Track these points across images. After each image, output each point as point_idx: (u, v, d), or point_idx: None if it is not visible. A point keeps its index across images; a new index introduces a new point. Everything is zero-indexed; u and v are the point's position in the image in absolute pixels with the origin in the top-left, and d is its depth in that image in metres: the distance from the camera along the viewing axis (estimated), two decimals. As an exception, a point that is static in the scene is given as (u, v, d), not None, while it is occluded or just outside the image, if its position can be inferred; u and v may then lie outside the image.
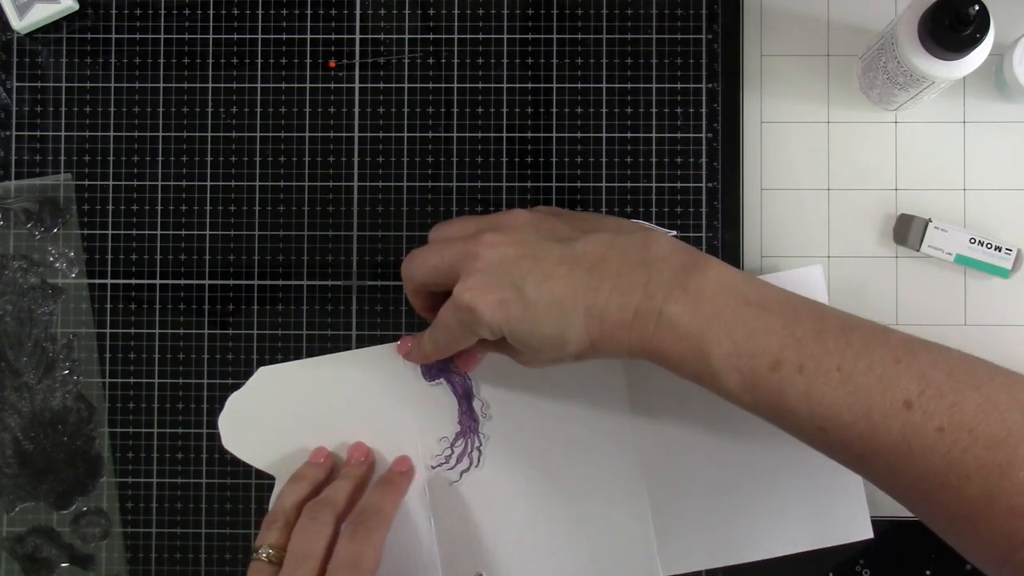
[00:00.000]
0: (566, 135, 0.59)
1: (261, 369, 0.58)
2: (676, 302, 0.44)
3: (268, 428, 0.58)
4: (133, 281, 0.59)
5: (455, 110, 0.59)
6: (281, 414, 0.58)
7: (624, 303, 0.45)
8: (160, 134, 0.60)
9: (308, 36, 0.60)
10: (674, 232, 0.58)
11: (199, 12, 0.60)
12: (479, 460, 0.57)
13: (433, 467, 0.57)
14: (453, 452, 0.57)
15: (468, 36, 0.59)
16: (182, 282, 0.59)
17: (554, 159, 0.59)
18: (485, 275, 0.47)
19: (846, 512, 0.56)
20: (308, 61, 0.60)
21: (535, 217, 0.49)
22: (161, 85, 0.60)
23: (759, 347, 0.43)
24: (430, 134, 0.59)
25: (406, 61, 0.60)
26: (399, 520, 0.56)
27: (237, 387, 0.58)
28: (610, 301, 0.45)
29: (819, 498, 0.56)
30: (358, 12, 0.60)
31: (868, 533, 0.56)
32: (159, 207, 0.60)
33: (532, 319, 0.46)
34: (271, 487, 0.57)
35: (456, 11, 0.59)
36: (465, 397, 0.57)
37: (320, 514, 0.50)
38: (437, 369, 0.57)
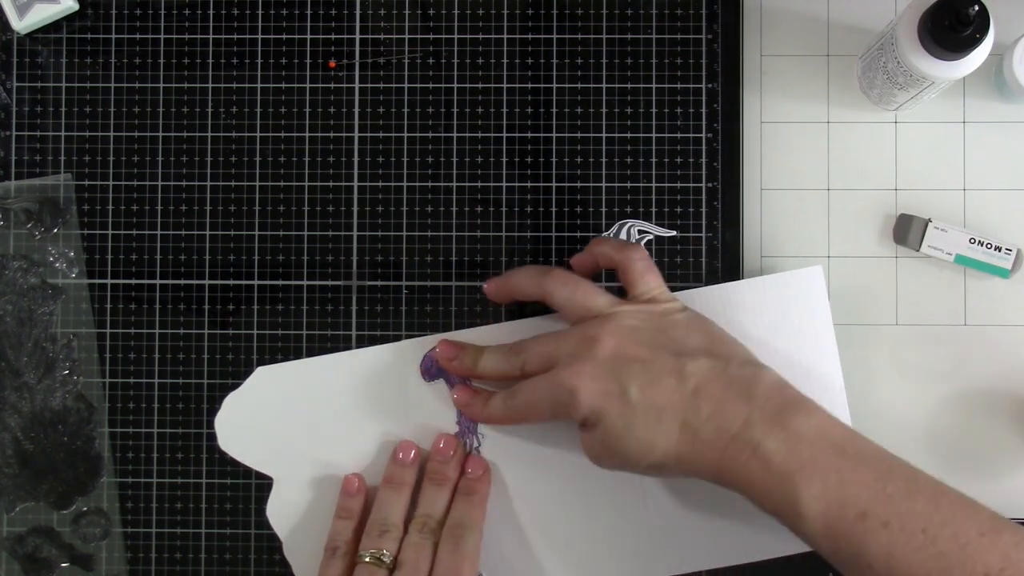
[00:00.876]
0: (566, 135, 0.59)
1: (259, 369, 0.58)
2: (774, 439, 0.46)
3: (266, 429, 0.57)
4: (133, 281, 0.59)
5: (455, 110, 0.59)
6: (279, 415, 0.58)
7: (722, 428, 0.47)
8: (160, 134, 0.60)
9: (308, 36, 0.60)
10: (674, 232, 0.58)
11: (199, 12, 0.60)
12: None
13: None
14: (453, 452, 0.57)
15: (468, 36, 0.59)
16: (182, 282, 0.59)
17: (554, 159, 0.59)
18: (595, 365, 0.49)
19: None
20: (308, 61, 0.60)
21: (659, 325, 0.50)
22: (161, 85, 0.60)
23: (848, 496, 0.44)
24: (430, 134, 0.59)
25: (406, 61, 0.60)
26: None
27: (237, 387, 0.58)
28: (708, 422, 0.47)
29: None
30: (358, 12, 0.60)
31: None
32: (159, 207, 0.60)
33: (629, 418, 0.48)
34: (271, 487, 0.57)
35: (456, 11, 0.59)
36: None
37: (429, 531, 0.53)
38: (437, 369, 0.57)
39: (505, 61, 0.59)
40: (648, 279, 0.53)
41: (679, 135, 0.59)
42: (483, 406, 0.55)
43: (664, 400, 0.47)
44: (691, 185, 0.59)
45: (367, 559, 0.52)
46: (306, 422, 0.57)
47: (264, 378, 0.58)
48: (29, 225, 0.59)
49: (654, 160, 0.59)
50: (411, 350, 0.58)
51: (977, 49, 0.49)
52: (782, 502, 0.46)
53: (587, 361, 0.49)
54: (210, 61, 0.60)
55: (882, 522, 0.44)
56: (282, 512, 0.57)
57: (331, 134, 0.59)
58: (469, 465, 0.56)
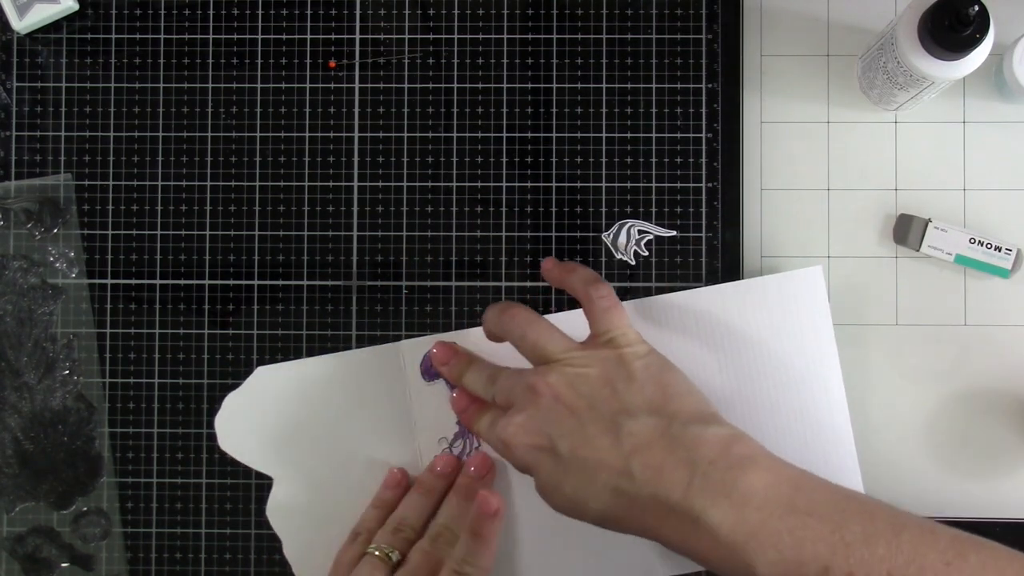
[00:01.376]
0: (566, 135, 0.59)
1: (259, 369, 0.58)
2: (718, 509, 0.44)
3: (265, 429, 0.57)
4: (133, 281, 0.59)
5: (455, 110, 0.59)
6: (278, 414, 0.58)
7: (659, 496, 0.45)
8: (160, 134, 0.60)
9: (308, 36, 0.60)
10: (674, 232, 0.58)
11: (199, 12, 0.60)
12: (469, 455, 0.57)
13: None
14: (452, 453, 0.57)
15: (468, 36, 0.59)
16: (182, 282, 0.59)
17: (554, 159, 0.59)
18: (528, 418, 0.48)
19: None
20: (308, 61, 0.60)
21: (604, 377, 0.48)
22: (161, 85, 0.60)
23: (807, 555, 0.43)
24: (430, 134, 0.59)
25: (406, 61, 0.60)
26: None
27: (237, 387, 0.58)
28: (644, 488, 0.45)
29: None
30: (358, 12, 0.60)
31: None
32: (159, 207, 0.60)
33: (560, 475, 0.47)
34: (271, 487, 0.57)
35: (456, 11, 0.59)
36: None
37: (444, 542, 0.53)
38: (437, 369, 0.57)
39: (505, 61, 0.59)
40: (610, 317, 0.50)
41: (679, 135, 0.59)
42: (475, 418, 0.54)
43: (595, 460, 0.46)
44: (691, 185, 0.59)
45: (375, 552, 0.52)
46: (306, 422, 0.57)
47: (264, 378, 0.58)
48: (29, 225, 0.59)
49: (654, 160, 0.59)
50: (411, 350, 0.58)
51: (977, 49, 0.49)
52: (737, 570, 0.44)
53: (522, 412, 0.48)
54: (210, 61, 0.60)
55: (846, 573, 0.42)
56: (282, 512, 0.57)
57: (331, 134, 0.59)
58: (481, 505, 0.52)
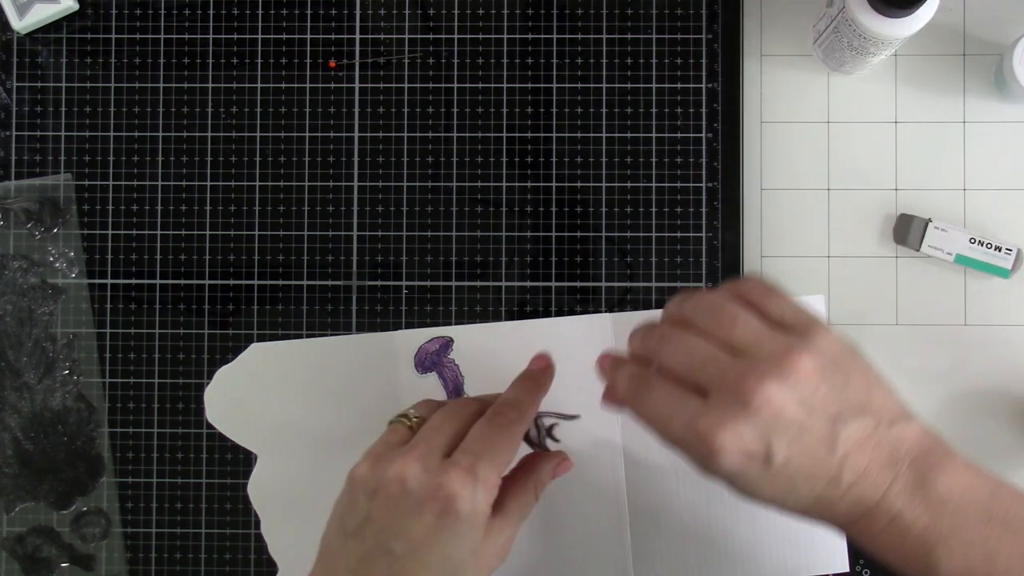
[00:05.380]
0: (566, 135, 0.59)
1: (253, 345, 0.58)
2: (914, 508, 0.42)
3: (255, 405, 0.58)
4: (133, 281, 0.59)
5: (455, 110, 0.59)
6: (269, 392, 0.58)
7: (859, 502, 0.42)
8: (160, 134, 0.60)
9: (308, 36, 0.60)
10: (578, 415, 0.53)
11: (199, 12, 0.60)
12: None
13: None
14: None
15: (468, 36, 0.59)
16: (182, 282, 0.59)
17: (554, 159, 0.59)
18: (747, 426, 0.41)
19: (825, 544, 0.56)
20: (308, 61, 0.60)
21: (819, 373, 0.42)
22: (161, 85, 0.60)
23: (997, 569, 0.41)
24: (430, 134, 0.59)
25: (406, 61, 0.60)
26: None
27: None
28: (846, 497, 0.42)
29: (799, 529, 0.56)
30: (358, 12, 0.60)
31: (844, 567, 0.56)
32: (159, 207, 0.60)
33: (764, 481, 0.42)
34: (271, 487, 0.58)
35: (456, 11, 0.59)
36: (455, 393, 0.57)
37: (468, 402, 0.48)
38: (431, 363, 0.57)
39: (505, 61, 0.59)
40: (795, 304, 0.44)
41: (679, 135, 0.59)
42: (612, 368, 0.46)
43: (807, 472, 0.42)
44: (691, 185, 0.59)
45: (392, 421, 0.49)
46: (295, 402, 0.57)
47: (258, 354, 0.58)
48: (29, 225, 0.59)
49: (654, 160, 0.59)
50: (406, 341, 0.58)
51: (923, 6, 0.49)
52: (919, 572, 0.42)
53: (736, 417, 0.41)
54: (210, 61, 0.60)
55: None
56: (263, 489, 0.58)
57: (331, 134, 0.59)
58: (533, 361, 0.50)
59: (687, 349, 0.43)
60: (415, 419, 0.48)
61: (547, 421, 0.52)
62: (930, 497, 0.42)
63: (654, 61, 0.59)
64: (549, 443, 0.52)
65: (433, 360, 0.57)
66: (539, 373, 0.50)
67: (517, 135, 0.59)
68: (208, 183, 0.59)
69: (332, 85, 0.59)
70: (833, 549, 0.56)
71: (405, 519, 0.44)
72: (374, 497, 0.45)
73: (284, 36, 0.60)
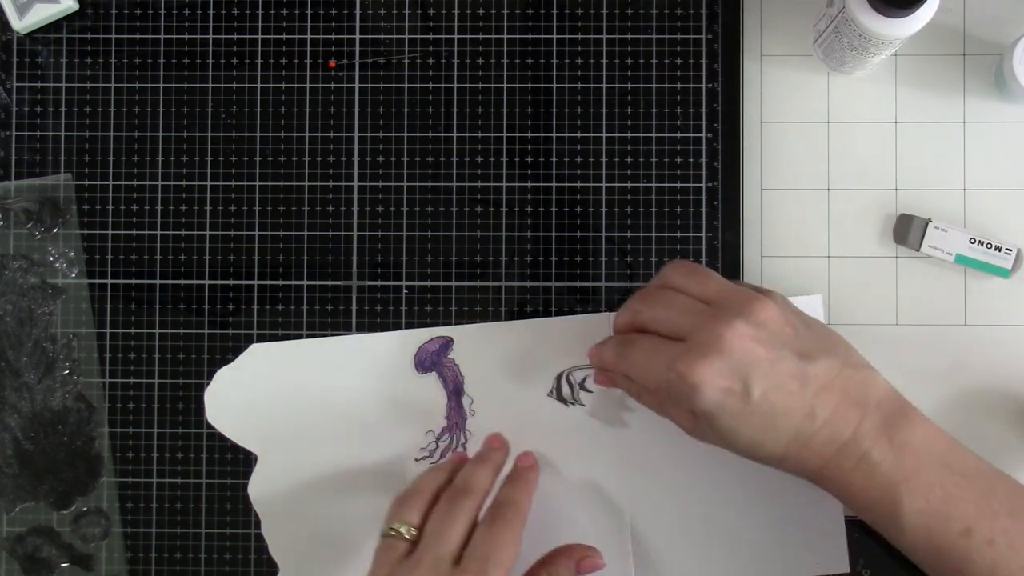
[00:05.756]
0: (566, 135, 0.59)
1: (253, 346, 0.58)
2: (880, 449, 0.45)
3: (255, 405, 0.58)
4: (133, 281, 0.59)
5: (455, 110, 0.59)
6: (270, 392, 0.58)
7: (832, 438, 0.46)
8: (160, 134, 0.60)
9: (308, 36, 0.60)
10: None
11: (199, 12, 0.60)
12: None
13: (417, 460, 0.57)
14: (438, 447, 0.57)
15: (468, 36, 0.59)
16: (182, 282, 0.59)
17: (554, 159, 0.59)
18: (722, 361, 0.45)
19: (824, 545, 0.56)
20: (308, 61, 0.60)
21: (783, 317, 0.47)
22: (161, 85, 0.60)
23: (954, 511, 0.44)
24: (430, 134, 0.59)
25: (406, 61, 0.60)
26: (379, 509, 0.56)
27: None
28: (820, 432, 0.46)
29: (799, 531, 0.56)
30: (358, 12, 0.60)
31: (844, 567, 0.56)
32: (159, 207, 0.60)
33: (743, 419, 0.46)
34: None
35: (456, 11, 0.59)
36: (455, 393, 0.57)
37: (461, 500, 0.49)
38: (431, 362, 0.57)
39: (505, 61, 0.59)
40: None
41: (679, 135, 0.59)
42: (599, 348, 0.52)
43: (784, 406, 0.45)
44: (691, 185, 0.59)
45: (385, 534, 0.49)
46: (295, 402, 0.57)
47: (258, 355, 0.58)
48: (29, 225, 0.59)
49: (654, 160, 0.59)
50: (406, 341, 0.58)
51: (923, 7, 0.49)
52: (883, 512, 0.46)
53: (712, 355, 0.45)
54: (210, 61, 0.60)
55: (987, 539, 0.44)
56: (264, 489, 0.58)
57: (331, 134, 0.59)
58: (519, 460, 0.54)
59: (667, 302, 0.49)
60: (407, 528, 0.49)
61: (578, 375, 0.53)
62: (895, 439, 0.45)
63: (654, 61, 0.59)
64: (583, 395, 0.56)
65: (433, 360, 0.57)
66: (528, 471, 0.54)
67: (517, 135, 0.59)
68: (208, 183, 0.59)
69: (332, 85, 0.59)
70: (834, 550, 0.56)
71: None
72: None
73: (284, 36, 0.60)
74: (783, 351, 0.46)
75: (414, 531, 0.48)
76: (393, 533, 0.48)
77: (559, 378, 0.57)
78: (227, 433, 0.58)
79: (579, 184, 0.59)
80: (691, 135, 0.59)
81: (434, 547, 0.47)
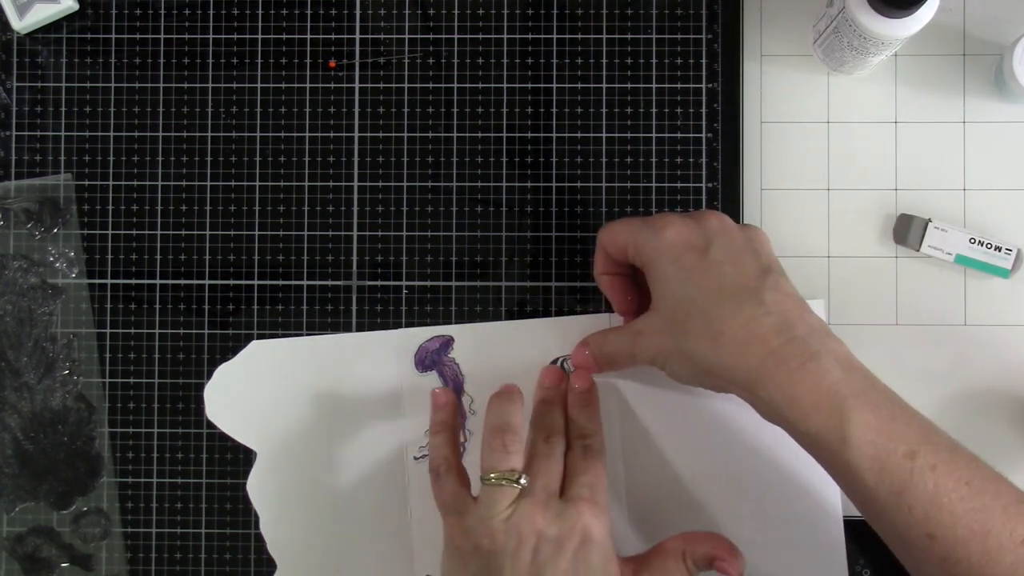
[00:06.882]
0: (566, 135, 0.59)
1: (253, 343, 0.58)
2: (830, 357, 0.45)
3: (255, 402, 0.58)
4: (133, 281, 0.59)
5: (455, 110, 0.59)
6: (270, 389, 0.58)
7: (780, 327, 0.46)
8: (160, 134, 0.60)
9: (308, 36, 0.60)
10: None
11: (199, 12, 0.60)
12: (462, 456, 0.57)
13: (416, 458, 0.57)
14: None
15: (468, 36, 0.59)
16: (182, 282, 0.59)
17: (554, 159, 0.59)
18: (690, 226, 0.50)
19: (825, 546, 0.56)
20: (308, 61, 0.60)
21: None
22: (161, 85, 0.60)
23: (899, 434, 0.44)
24: (430, 134, 0.59)
25: (406, 61, 0.60)
26: (378, 508, 0.57)
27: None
28: (768, 317, 0.46)
29: (799, 530, 0.56)
30: (358, 12, 0.60)
31: (843, 571, 0.56)
32: (159, 207, 0.60)
33: (695, 280, 0.48)
34: (271, 487, 0.58)
35: (456, 11, 0.59)
36: (455, 392, 0.57)
37: (557, 442, 0.52)
38: (431, 361, 0.57)
39: (505, 61, 0.59)
40: None
41: (679, 135, 0.59)
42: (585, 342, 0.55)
43: (735, 275, 0.47)
44: (691, 185, 0.59)
45: (492, 480, 0.49)
46: (296, 399, 0.58)
47: (258, 351, 0.58)
48: (29, 225, 0.59)
49: (654, 160, 0.59)
50: (407, 339, 0.58)
51: (924, 7, 0.49)
52: (827, 424, 0.44)
53: (686, 220, 0.50)
54: (210, 61, 0.60)
55: (930, 464, 0.43)
56: (262, 486, 0.58)
57: (331, 134, 0.59)
58: (575, 381, 0.55)
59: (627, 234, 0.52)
60: (518, 476, 0.49)
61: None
62: (841, 359, 0.45)
63: (654, 61, 0.59)
64: None
65: (433, 359, 0.57)
66: (588, 395, 0.55)
67: (517, 135, 0.59)
68: (208, 183, 0.59)
69: (332, 85, 0.59)
70: (833, 551, 0.56)
71: (547, 566, 0.47)
72: (517, 552, 0.47)
73: (284, 36, 0.60)
74: (738, 236, 0.49)
75: (525, 478, 0.49)
76: (504, 482, 0.49)
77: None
78: (226, 429, 0.58)
79: (579, 184, 0.59)
80: (691, 135, 0.59)
81: (545, 486, 0.49)
